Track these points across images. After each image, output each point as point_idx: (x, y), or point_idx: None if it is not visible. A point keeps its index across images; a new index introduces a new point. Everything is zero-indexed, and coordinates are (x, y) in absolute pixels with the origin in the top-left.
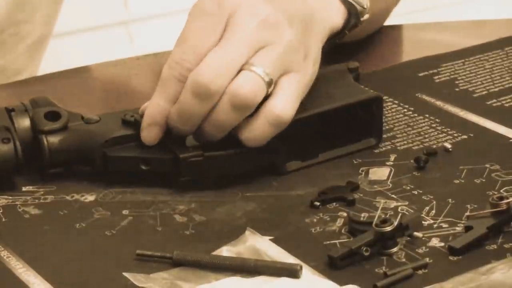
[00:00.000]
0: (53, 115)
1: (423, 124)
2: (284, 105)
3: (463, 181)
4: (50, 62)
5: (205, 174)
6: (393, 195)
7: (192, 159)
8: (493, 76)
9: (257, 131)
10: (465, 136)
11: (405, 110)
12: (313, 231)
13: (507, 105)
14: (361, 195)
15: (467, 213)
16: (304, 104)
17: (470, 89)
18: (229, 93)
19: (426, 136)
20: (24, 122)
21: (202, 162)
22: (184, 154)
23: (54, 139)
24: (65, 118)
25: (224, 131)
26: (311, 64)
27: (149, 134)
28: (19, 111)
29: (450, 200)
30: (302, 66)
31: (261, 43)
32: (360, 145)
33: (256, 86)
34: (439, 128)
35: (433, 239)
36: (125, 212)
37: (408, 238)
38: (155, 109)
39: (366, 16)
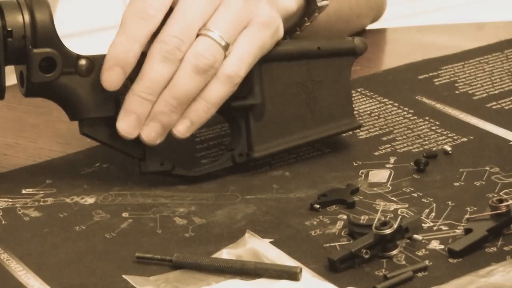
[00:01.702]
0: (48, 63)
1: (423, 127)
2: (235, 65)
3: (463, 183)
4: None
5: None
6: (393, 198)
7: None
8: (493, 78)
9: (212, 93)
10: (465, 139)
11: (405, 112)
12: (313, 233)
13: (507, 107)
14: (361, 197)
15: (467, 216)
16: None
17: (470, 91)
18: (189, 60)
19: (426, 138)
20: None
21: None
22: None
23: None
24: (58, 70)
25: (188, 98)
26: (266, 15)
27: (110, 77)
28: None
29: (450, 202)
30: (256, 22)
31: (214, 4)
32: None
33: (214, 51)
34: (439, 130)
35: (433, 241)
36: (125, 214)
37: (408, 241)
38: (117, 49)
39: (324, 2)
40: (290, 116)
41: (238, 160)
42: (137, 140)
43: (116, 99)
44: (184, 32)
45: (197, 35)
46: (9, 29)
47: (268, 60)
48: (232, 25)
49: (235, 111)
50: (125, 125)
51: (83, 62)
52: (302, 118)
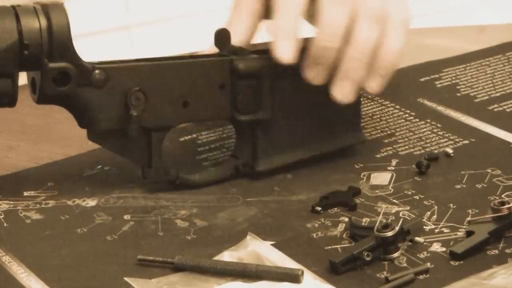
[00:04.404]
0: (63, 76)
1: (425, 129)
2: (403, 10)
3: (464, 186)
4: None
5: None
6: (394, 200)
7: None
8: (494, 81)
9: (392, 41)
10: (466, 141)
11: (407, 115)
12: (314, 236)
13: (508, 110)
14: (363, 200)
15: (469, 218)
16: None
17: (472, 94)
18: (364, 11)
19: (428, 141)
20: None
21: None
22: None
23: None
24: (72, 84)
25: (372, 50)
26: None
27: (287, 48)
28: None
29: (451, 205)
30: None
31: None
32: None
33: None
34: (440, 133)
35: (435, 244)
36: (126, 217)
37: (410, 243)
38: (289, 23)
39: None
40: (297, 131)
41: (241, 170)
42: (144, 148)
43: (126, 110)
44: None
45: None
46: (26, 42)
47: (281, 76)
48: None
49: (244, 124)
50: (314, 74)
51: (98, 74)
52: (310, 132)
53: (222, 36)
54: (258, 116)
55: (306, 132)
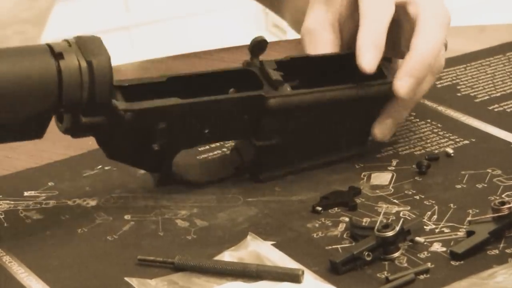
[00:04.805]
0: (95, 123)
1: (425, 129)
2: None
3: (465, 186)
4: None
5: None
6: (395, 200)
7: None
8: (495, 81)
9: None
10: (467, 141)
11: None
12: (315, 236)
13: (509, 110)
14: (363, 200)
15: (469, 218)
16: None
17: (472, 94)
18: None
19: (428, 141)
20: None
21: None
22: None
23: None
24: (102, 129)
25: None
26: None
27: (371, 59)
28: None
29: (452, 205)
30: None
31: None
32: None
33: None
34: (441, 133)
35: (435, 244)
36: (127, 217)
37: (410, 243)
38: (372, 33)
39: None
40: (304, 148)
41: (244, 172)
42: (155, 159)
43: (148, 142)
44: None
45: None
46: (64, 103)
47: (297, 108)
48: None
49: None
50: (406, 87)
51: (129, 116)
52: (316, 148)
53: (258, 47)
54: (272, 142)
55: (312, 147)
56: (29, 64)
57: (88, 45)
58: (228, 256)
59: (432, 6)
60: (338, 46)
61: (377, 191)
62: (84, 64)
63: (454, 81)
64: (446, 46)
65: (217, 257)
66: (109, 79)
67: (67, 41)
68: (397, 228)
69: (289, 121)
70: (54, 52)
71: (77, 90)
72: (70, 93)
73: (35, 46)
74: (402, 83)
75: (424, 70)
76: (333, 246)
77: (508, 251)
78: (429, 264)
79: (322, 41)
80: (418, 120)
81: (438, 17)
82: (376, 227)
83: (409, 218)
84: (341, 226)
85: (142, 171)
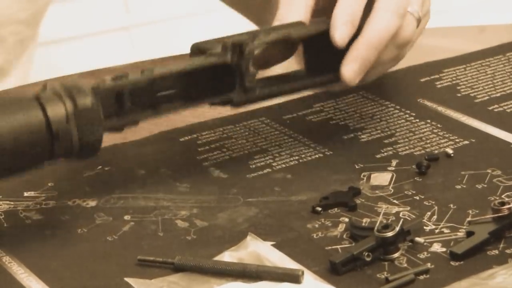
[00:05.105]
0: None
1: (425, 130)
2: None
3: (464, 186)
4: (52, 68)
5: None
6: (394, 201)
7: None
8: (494, 81)
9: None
10: (466, 142)
11: (407, 115)
12: (314, 236)
13: (508, 110)
14: (363, 200)
15: (469, 219)
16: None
17: (472, 94)
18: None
19: (428, 141)
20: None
21: None
22: None
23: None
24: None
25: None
26: None
27: (343, 33)
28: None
29: (451, 205)
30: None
31: None
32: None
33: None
34: (440, 133)
35: (435, 244)
36: (126, 217)
37: (410, 244)
38: (348, 9)
39: None
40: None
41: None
42: None
43: None
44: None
45: None
46: (56, 153)
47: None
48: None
49: None
50: (352, 71)
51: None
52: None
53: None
54: None
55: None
56: (19, 120)
57: (72, 89)
58: (228, 256)
59: None
60: (312, 9)
61: (377, 191)
62: (70, 108)
63: (454, 82)
64: (419, 21)
65: (217, 258)
66: (97, 121)
67: (51, 86)
68: (397, 229)
69: None
70: (42, 104)
71: (67, 137)
72: (61, 140)
73: (21, 98)
74: (348, 69)
75: (371, 55)
76: (333, 247)
77: (508, 251)
78: (429, 265)
79: (297, 1)
80: (418, 120)
81: (391, 4)
82: (376, 228)
83: (409, 219)
84: (341, 227)
85: (143, 171)
